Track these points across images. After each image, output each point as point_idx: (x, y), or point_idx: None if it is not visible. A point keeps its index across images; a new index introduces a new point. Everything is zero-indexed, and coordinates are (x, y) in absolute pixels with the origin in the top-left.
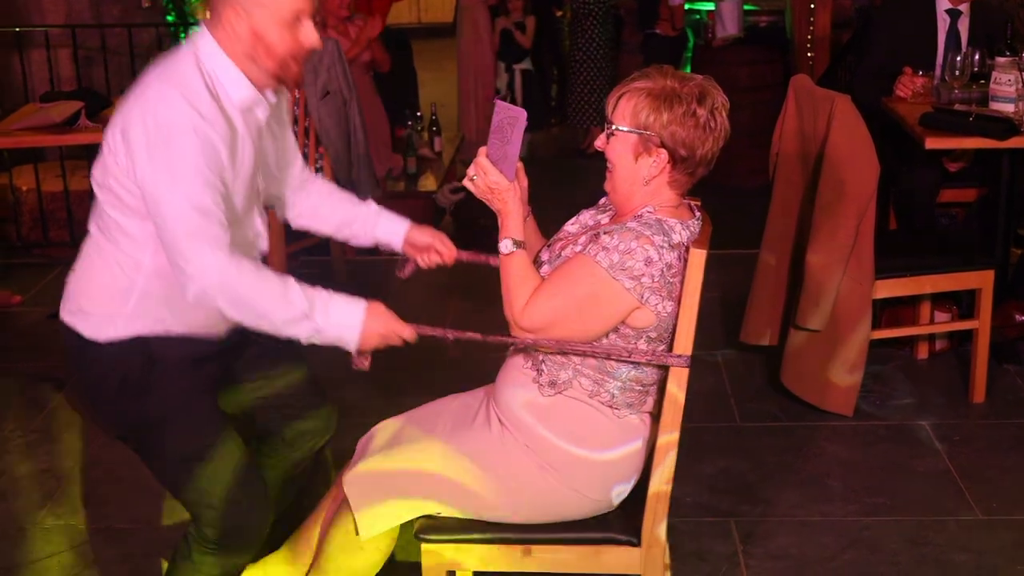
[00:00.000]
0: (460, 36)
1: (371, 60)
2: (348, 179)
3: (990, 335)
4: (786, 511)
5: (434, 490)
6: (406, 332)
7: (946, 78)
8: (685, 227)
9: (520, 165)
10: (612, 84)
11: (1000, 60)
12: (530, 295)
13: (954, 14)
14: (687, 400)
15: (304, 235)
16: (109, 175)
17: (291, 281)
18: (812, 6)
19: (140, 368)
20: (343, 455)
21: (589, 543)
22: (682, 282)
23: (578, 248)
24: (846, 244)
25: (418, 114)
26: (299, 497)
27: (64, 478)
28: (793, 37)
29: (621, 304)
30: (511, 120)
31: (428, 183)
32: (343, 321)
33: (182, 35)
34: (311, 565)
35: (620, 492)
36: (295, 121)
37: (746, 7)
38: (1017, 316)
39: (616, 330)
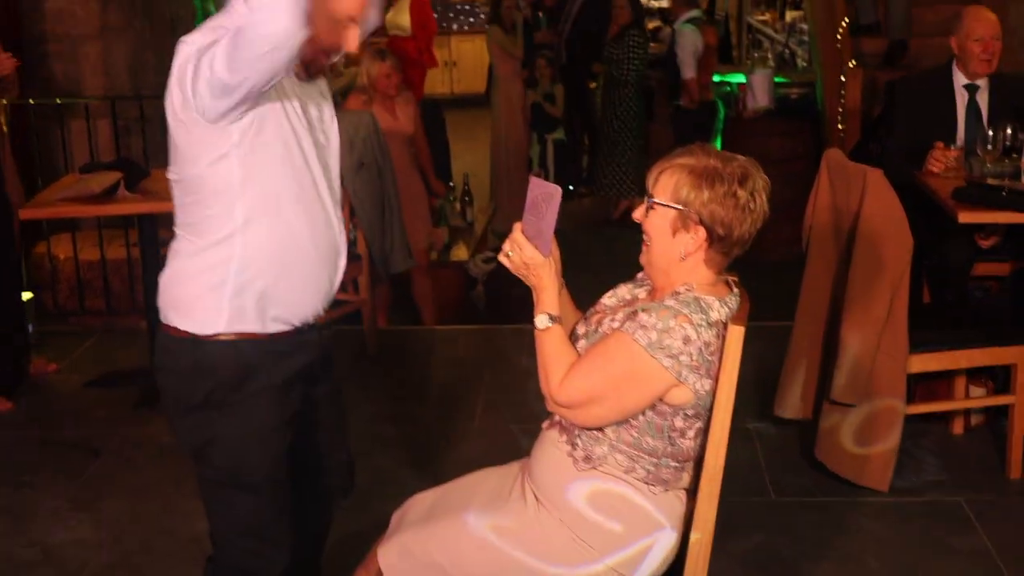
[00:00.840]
0: (495, 108)
1: (412, 135)
2: (381, 249)
3: None
4: None
5: (468, 572)
6: None
7: (978, 152)
8: (723, 304)
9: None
10: (643, 155)
11: None
12: (567, 370)
13: (972, 88)
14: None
15: (335, 305)
16: (179, 152)
17: None
18: (843, 79)
19: (232, 378)
20: (378, 526)
21: None
22: (720, 359)
23: (616, 324)
24: (880, 318)
25: (450, 184)
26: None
27: (98, 548)
28: (824, 109)
29: (659, 382)
30: (546, 196)
31: (460, 252)
32: None
33: None
34: None
35: (655, 572)
36: None
37: (777, 79)
38: None
39: (653, 407)
